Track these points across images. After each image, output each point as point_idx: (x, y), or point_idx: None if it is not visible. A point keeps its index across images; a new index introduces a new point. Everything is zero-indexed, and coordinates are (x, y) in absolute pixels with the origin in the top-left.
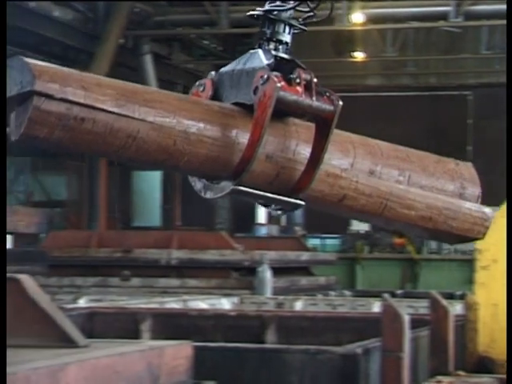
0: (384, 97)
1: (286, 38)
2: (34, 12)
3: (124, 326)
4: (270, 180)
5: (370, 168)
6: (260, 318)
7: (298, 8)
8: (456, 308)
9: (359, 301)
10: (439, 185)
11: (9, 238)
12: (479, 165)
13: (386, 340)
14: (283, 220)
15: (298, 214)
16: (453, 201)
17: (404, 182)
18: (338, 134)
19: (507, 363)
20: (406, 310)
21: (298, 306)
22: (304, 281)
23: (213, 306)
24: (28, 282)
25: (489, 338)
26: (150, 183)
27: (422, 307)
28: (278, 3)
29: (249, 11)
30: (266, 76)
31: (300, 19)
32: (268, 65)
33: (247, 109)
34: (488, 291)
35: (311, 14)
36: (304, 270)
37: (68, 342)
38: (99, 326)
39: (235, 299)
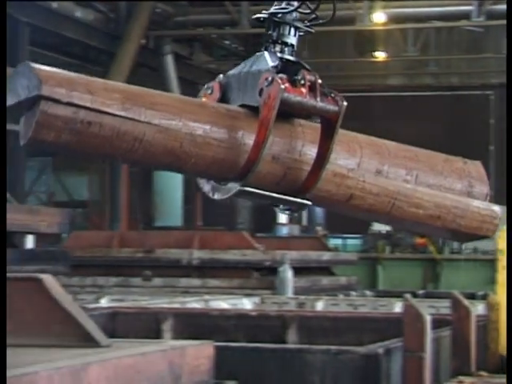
0: (405, 96)
1: (292, 40)
2: (55, 12)
3: (146, 326)
4: (277, 180)
5: (377, 168)
6: (281, 317)
7: (303, 10)
8: (478, 308)
9: (380, 301)
10: (447, 183)
11: (31, 238)
12: (502, 165)
13: (408, 340)
14: (304, 220)
15: (320, 214)
16: (461, 199)
17: (411, 181)
18: (344, 135)
19: (507, 363)
20: (428, 310)
21: (320, 306)
22: (325, 281)
23: (234, 306)
24: (50, 281)
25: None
26: (172, 183)
27: (444, 307)
28: (283, 5)
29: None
30: (270, 78)
31: (306, 21)
32: (273, 67)
33: (253, 110)
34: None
35: (315, 15)
36: (325, 269)
37: (90, 342)
38: (121, 325)
39: (256, 299)
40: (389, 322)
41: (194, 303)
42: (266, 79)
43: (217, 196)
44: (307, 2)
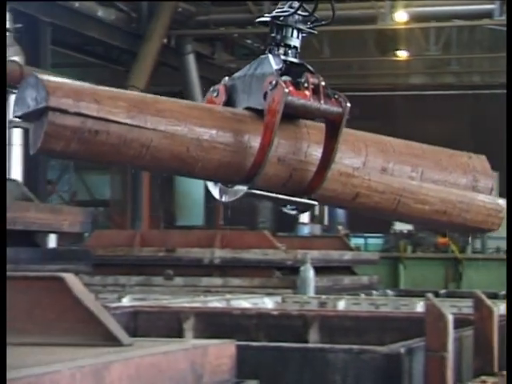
0: (427, 96)
1: (295, 42)
2: (77, 12)
3: (167, 325)
4: (284, 182)
5: (383, 165)
6: (303, 317)
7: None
8: (500, 308)
9: (402, 300)
10: (452, 179)
11: (53, 237)
12: None
13: (430, 340)
14: (326, 219)
15: (341, 213)
16: (466, 194)
17: (417, 177)
18: (349, 133)
19: (507, 363)
20: (450, 309)
21: (341, 305)
22: (347, 280)
23: (255, 305)
24: (72, 280)
25: None
26: (193, 182)
27: (466, 307)
28: (285, 8)
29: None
30: (274, 82)
31: (308, 23)
32: (277, 70)
33: (258, 113)
34: None
35: (315, 17)
36: (347, 269)
37: (112, 341)
38: (143, 324)
39: (278, 298)
40: (411, 322)
41: (216, 302)
42: (270, 83)
43: (224, 198)
44: (305, 5)
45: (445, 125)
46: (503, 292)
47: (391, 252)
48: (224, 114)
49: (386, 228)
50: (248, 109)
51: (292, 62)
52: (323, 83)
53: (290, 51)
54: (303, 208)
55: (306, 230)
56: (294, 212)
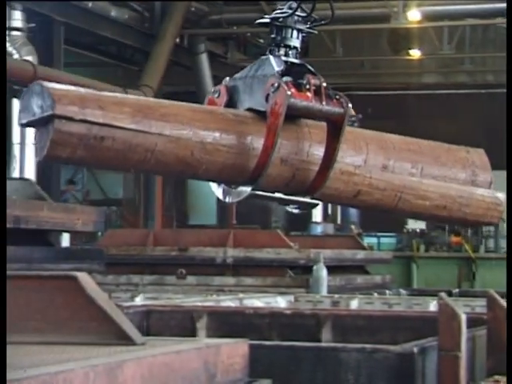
0: (440, 95)
1: (295, 42)
2: (90, 12)
3: (180, 324)
4: (287, 182)
5: (383, 163)
6: (315, 316)
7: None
8: None
9: (415, 300)
10: (451, 174)
11: (66, 236)
12: None
13: (443, 339)
14: (339, 218)
15: (354, 213)
16: (465, 188)
17: (417, 173)
18: (350, 132)
19: (507, 363)
20: (463, 308)
21: (354, 304)
22: (360, 279)
23: (268, 305)
24: (86, 279)
25: None
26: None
27: (479, 306)
28: (284, 9)
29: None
30: (276, 84)
31: (308, 23)
32: (278, 71)
33: (261, 114)
34: None
35: (313, 17)
36: (360, 268)
37: (125, 340)
38: (155, 323)
39: (290, 297)
40: (424, 321)
41: (229, 301)
42: (273, 85)
43: (228, 199)
44: (303, 6)
45: (458, 124)
46: None
47: (404, 251)
48: (226, 116)
49: (399, 227)
50: (249, 110)
51: (293, 63)
52: (324, 84)
53: (290, 52)
54: (306, 207)
55: (318, 229)
56: (296, 211)
